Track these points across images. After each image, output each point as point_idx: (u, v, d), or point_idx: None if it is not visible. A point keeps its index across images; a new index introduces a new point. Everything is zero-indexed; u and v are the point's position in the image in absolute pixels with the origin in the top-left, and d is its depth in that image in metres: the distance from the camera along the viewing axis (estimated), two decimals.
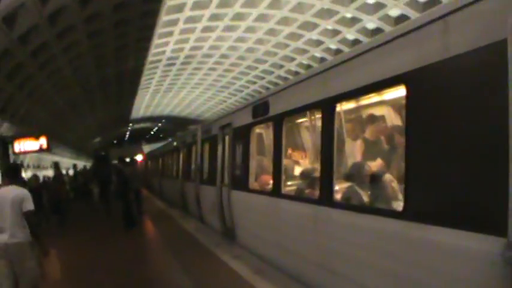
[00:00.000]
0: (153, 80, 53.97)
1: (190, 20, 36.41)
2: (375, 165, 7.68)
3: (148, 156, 50.56)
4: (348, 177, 7.85)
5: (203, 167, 17.68)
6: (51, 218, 20.95)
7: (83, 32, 29.74)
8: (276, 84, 49.38)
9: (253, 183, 11.85)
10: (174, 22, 36.26)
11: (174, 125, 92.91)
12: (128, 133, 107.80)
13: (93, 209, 26.65)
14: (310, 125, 10.98)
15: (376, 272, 6.25)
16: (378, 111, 8.83)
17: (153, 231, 18.55)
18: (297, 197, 9.46)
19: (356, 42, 36.22)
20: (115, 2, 27.87)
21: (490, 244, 4.37)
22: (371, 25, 34.70)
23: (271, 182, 10.34)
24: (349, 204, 7.29)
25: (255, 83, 55.45)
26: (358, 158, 8.11)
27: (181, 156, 23.50)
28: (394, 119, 8.60)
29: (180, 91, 64.29)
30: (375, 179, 7.27)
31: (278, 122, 9.92)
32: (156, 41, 38.95)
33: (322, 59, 41.39)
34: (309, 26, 37.54)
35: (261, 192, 11.24)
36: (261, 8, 34.90)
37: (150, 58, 43.57)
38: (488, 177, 4.53)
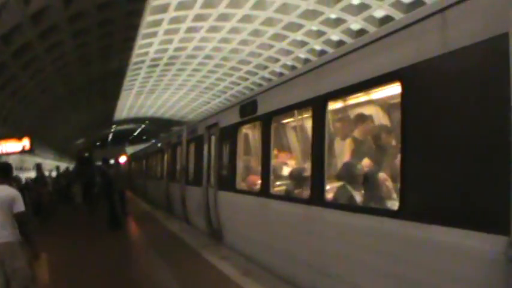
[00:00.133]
0: (137, 81, 53.73)
1: (175, 20, 36.25)
2: (368, 164, 7.58)
3: (132, 158, 50.24)
4: (340, 177, 7.73)
5: (189, 167, 17.53)
6: (32, 219, 20.69)
7: (66, 31, 29.49)
8: (260, 85, 49.28)
9: (240, 184, 11.73)
10: (158, 22, 36.11)
11: (158, 126, 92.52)
12: (111, 134, 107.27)
13: (77, 210, 26.34)
14: (300, 123, 10.86)
15: (371, 272, 6.15)
16: (371, 109, 8.73)
17: (139, 232, 18.35)
18: (287, 197, 9.34)
19: (340, 43, 36.23)
20: (99, 1, 27.64)
21: (493, 243, 4.28)
22: (355, 26, 34.74)
23: (259, 182, 10.24)
24: (341, 204, 7.18)
25: (238, 84, 55.39)
26: (350, 157, 7.99)
27: (166, 157, 23.32)
28: (388, 117, 8.51)
29: (164, 92, 64.06)
30: (368, 178, 7.16)
31: (267, 121, 9.81)
32: (140, 41, 38.75)
33: (307, 60, 41.39)
34: (293, 27, 37.53)
35: (249, 192, 11.13)
36: (245, 9, 34.84)
37: (133, 59, 43.35)
38: (490, 175, 4.44)
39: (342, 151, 8.23)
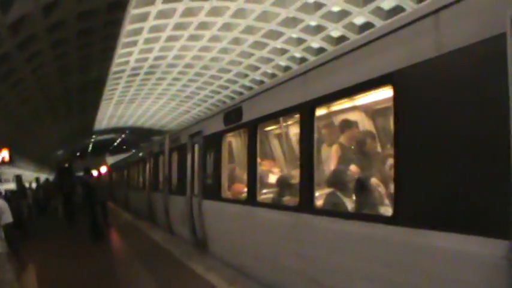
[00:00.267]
0: (117, 91, 53.34)
1: (155, 29, 36.05)
2: (359, 169, 7.49)
3: (113, 168, 49.86)
4: (330, 183, 7.63)
5: (172, 176, 17.37)
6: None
7: (46, 41, 29.17)
8: (240, 93, 49.20)
9: (226, 192, 11.58)
10: (138, 31, 35.84)
11: (138, 136, 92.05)
12: (91, 145, 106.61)
13: (57, 222, 26.01)
14: (287, 130, 10.77)
15: (364, 279, 6.02)
16: (360, 114, 8.66)
17: (122, 243, 18.13)
18: (274, 204, 9.21)
19: (321, 50, 36.25)
20: (79, 10, 27.36)
21: (493, 247, 4.18)
22: (336, 33, 34.72)
23: (245, 190, 10.12)
24: (332, 211, 7.06)
25: (219, 92, 55.23)
26: (340, 163, 7.90)
27: (148, 166, 23.11)
28: (378, 121, 8.43)
29: (144, 102, 63.73)
30: (360, 184, 7.05)
31: (252, 128, 9.68)
32: (119, 50, 38.47)
33: (287, 68, 41.37)
34: (273, 35, 37.44)
35: (235, 201, 11.00)
36: (226, 17, 34.70)
37: (113, 68, 43.02)
38: (489, 178, 4.34)
39: (332, 157, 8.14)
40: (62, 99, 44.83)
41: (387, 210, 6.23)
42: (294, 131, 9.70)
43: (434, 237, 4.82)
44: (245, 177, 10.14)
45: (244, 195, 10.18)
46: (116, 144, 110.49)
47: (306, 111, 7.46)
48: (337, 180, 7.38)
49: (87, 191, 19.49)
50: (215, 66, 46.72)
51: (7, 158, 31.06)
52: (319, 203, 7.41)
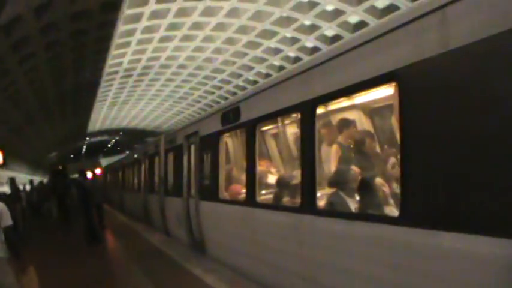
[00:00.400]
0: (110, 92, 53.24)
1: (148, 30, 35.92)
2: (362, 169, 7.35)
3: (107, 170, 49.66)
4: (332, 183, 7.49)
5: (168, 178, 17.21)
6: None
7: (38, 43, 28.99)
8: (234, 93, 49.20)
9: (224, 193, 11.44)
10: (132, 32, 35.73)
11: (132, 137, 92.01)
12: (85, 147, 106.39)
13: (52, 225, 25.79)
14: (287, 130, 10.63)
15: (369, 281, 5.89)
16: (364, 112, 8.52)
17: (119, 246, 17.94)
18: (275, 205, 9.09)
19: (315, 49, 36.22)
20: (72, 11, 27.21)
21: (504, 247, 4.06)
22: (330, 32, 34.67)
23: (244, 191, 9.98)
24: (335, 211, 6.93)
25: (213, 93, 55.18)
26: (342, 162, 7.76)
27: (143, 168, 22.93)
28: (381, 120, 8.29)
29: (138, 103, 63.64)
30: (364, 184, 6.93)
31: (251, 128, 9.54)
32: (113, 51, 38.32)
33: (281, 67, 41.32)
34: (267, 35, 37.40)
35: (234, 202, 10.84)
36: (219, 17, 34.65)
37: (107, 69, 42.93)
38: (499, 177, 4.21)
39: (334, 157, 7.99)
40: (55, 101, 44.67)
41: (393, 210, 6.10)
42: (295, 130, 9.56)
43: (443, 237, 4.69)
44: (244, 178, 10.00)
45: (243, 196, 10.03)
46: (109, 145, 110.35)
47: (307, 110, 7.32)
48: (340, 180, 7.25)
49: (82, 193, 19.29)
50: (209, 66, 46.61)
51: (0, 160, 30.83)
52: (321, 203, 7.27)
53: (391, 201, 6.52)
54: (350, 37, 30.71)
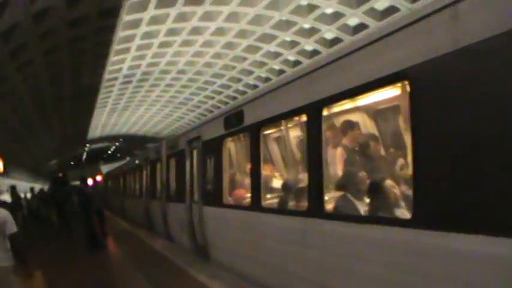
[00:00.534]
0: (110, 99, 53.13)
1: (147, 35, 35.84)
2: (371, 171, 7.24)
3: (108, 176, 49.59)
4: (340, 186, 7.37)
5: (170, 183, 17.12)
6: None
7: (37, 49, 28.88)
8: (234, 98, 49.08)
9: (228, 198, 11.33)
10: (131, 38, 35.64)
11: (132, 143, 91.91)
12: (85, 154, 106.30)
13: (52, 232, 25.64)
14: (292, 132, 10.52)
15: (379, 285, 5.77)
16: (371, 113, 8.41)
17: (121, 252, 17.79)
18: (281, 209, 8.98)
19: (315, 52, 36.13)
20: (70, 17, 27.10)
21: None
22: (329, 35, 34.55)
23: (249, 195, 9.87)
24: (344, 215, 6.80)
25: (212, 98, 55.01)
26: (350, 164, 7.65)
27: (144, 173, 22.84)
28: (389, 121, 8.17)
29: (138, 109, 63.53)
30: (374, 186, 6.81)
31: (255, 131, 9.43)
32: (112, 58, 38.22)
33: (281, 71, 41.20)
34: (267, 38, 37.26)
35: (238, 206, 10.75)
36: (219, 22, 34.51)
37: (106, 76, 42.80)
38: None
39: (342, 159, 7.88)
40: (55, 108, 44.54)
41: (404, 212, 5.98)
42: (300, 133, 9.45)
43: (458, 240, 4.57)
44: (248, 182, 9.91)
45: (248, 200, 9.95)
46: (110, 152, 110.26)
47: (313, 112, 7.21)
48: (348, 183, 7.13)
49: (83, 199, 19.17)
50: (208, 71, 46.52)
51: (1, 168, 30.77)
52: (329, 207, 7.16)
53: (403, 203, 6.40)
54: (350, 40, 30.66)
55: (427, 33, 5.09)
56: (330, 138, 8.16)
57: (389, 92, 6.49)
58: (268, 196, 9.90)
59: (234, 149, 12.51)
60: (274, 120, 9.25)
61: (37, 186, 56.15)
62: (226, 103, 50.48)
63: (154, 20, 33.30)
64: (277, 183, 10.31)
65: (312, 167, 7.24)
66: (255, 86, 45.21)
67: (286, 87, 8.54)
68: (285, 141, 11.04)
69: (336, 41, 33.57)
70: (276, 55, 40.08)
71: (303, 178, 8.16)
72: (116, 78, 45.26)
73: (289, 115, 8.67)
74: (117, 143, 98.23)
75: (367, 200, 6.90)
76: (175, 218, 16.07)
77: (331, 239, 6.76)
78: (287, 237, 8.14)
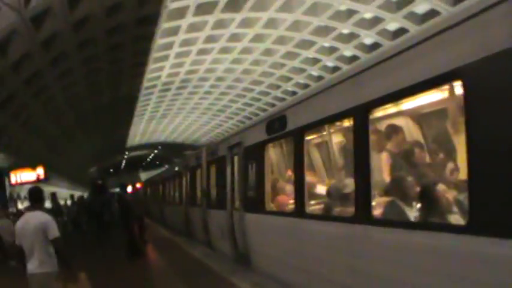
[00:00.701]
0: (149, 106, 53.57)
1: (186, 43, 35.97)
2: (422, 175, 6.97)
3: (147, 183, 49.85)
4: (390, 191, 7.10)
5: (210, 190, 17.00)
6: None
7: (76, 58, 29.20)
8: (273, 105, 48.98)
9: (270, 205, 11.13)
10: (169, 45, 35.81)
11: (171, 151, 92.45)
12: (124, 161, 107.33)
13: (93, 239, 25.71)
14: (338, 136, 10.28)
15: None
16: (419, 115, 8.12)
17: (161, 260, 17.68)
18: (326, 216, 8.75)
19: (354, 58, 35.83)
20: (108, 26, 27.33)
21: None
22: (369, 40, 34.23)
23: (292, 201, 9.66)
24: (393, 221, 6.54)
25: (251, 105, 54.99)
26: (399, 169, 7.38)
27: (184, 180, 22.78)
28: (439, 123, 7.86)
29: (176, 116, 63.88)
30: (425, 192, 6.54)
31: (298, 136, 9.22)
32: (151, 65, 38.44)
33: (320, 78, 40.98)
34: (305, 45, 37.11)
35: (281, 213, 10.56)
36: (257, 28, 34.46)
37: (145, 83, 43.10)
38: None
39: (390, 163, 7.61)
40: (94, 116, 45.04)
41: (458, 218, 5.71)
42: (347, 136, 9.20)
43: None
44: (292, 188, 9.70)
45: (291, 207, 9.75)
46: (148, 159, 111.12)
47: (360, 115, 6.97)
48: (397, 188, 6.86)
49: (123, 206, 19.13)
50: (247, 78, 46.50)
51: (42, 175, 31.12)
52: (377, 212, 6.90)
53: (456, 208, 6.12)
54: (389, 44, 30.27)
55: (483, 29, 4.82)
56: (377, 141, 7.88)
57: (440, 93, 6.25)
58: (313, 202, 9.69)
59: (276, 154, 12.33)
60: (319, 124, 9.06)
61: (77, 194, 56.72)
62: (265, 110, 50.39)
63: (192, 27, 33.42)
64: (321, 189, 10.07)
65: (359, 172, 7.01)
66: (294, 93, 45.05)
67: (331, 90, 8.34)
68: (330, 146, 10.78)
69: (375, 46, 33.20)
70: (315, 61, 39.90)
71: (349, 183, 7.91)
72: (154, 86, 45.58)
73: (334, 118, 8.45)
74: (155, 151, 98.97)
75: (417, 206, 6.63)
76: (215, 225, 15.94)
77: (379, 245, 6.50)
78: (332, 244, 7.92)
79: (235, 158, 13.63)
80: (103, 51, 30.70)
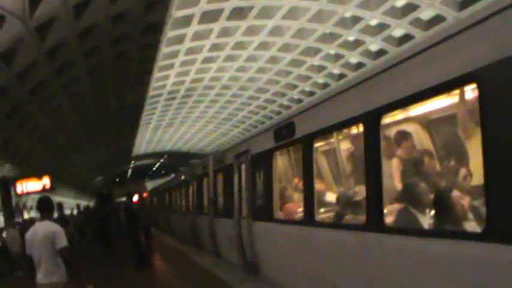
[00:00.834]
0: (154, 115, 53.48)
1: (191, 51, 35.91)
2: (436, 182, 6.83)
3: (154, 192, 49.81)
4: (404, 198, 6.96)
5: (217, 199, 16.92)
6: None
7: (82, 67, 29.16)
8: (278, 113, 48.89)
9: (278, 213, 11.02)
10: (175, 54, 35.75)
11: (176, 160, 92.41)
12: (130, 170, 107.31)
13: (99, 249, 25.63)
14: (348, 143, 10.14)
15: None
16: (435, 119, 7.97)
17: (168, 269, 17.60)
18: (336, 224, 8.62)
19: (359, 65, 35.71)
20: (113, 35, 27.26)
21: None
22: (374, 47, 34.11)
23: (301, 209, 9.55)
24: (406, 229, 6.40)
25: (257, 113, 54.86)
26: (412, 175, 7.23)
27: (191, 189, 22.70)
28: (453, 127, 7.71)
29: (182, 125, 63.80)
30: (438, 198, 6.40)
31: (307, 143, 9.12)
32: (156, 74, 38.40)
33: (325, 85, 40.85)
34: (311, 52, 36.98)
35: (290, 221, 10.44)
36: (262, 36, 34.37)
37: (150, 92, 43.04)
38: None
39: (402, 170, 7.47)
40: (100, 125, 45.00)
41: (474, 225, 5.58)
42: (357, 143, 9.07)
43: None
44: (301, 195, 9.59)
45: (301, 215, 9.64)
46: (154, 169, 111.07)
47: (370, 121, 6.84)
48: (410, 195, 6.73)
49: (129, 215, 19.04)
50: (252, 86, 46.43)
51: (48, 185, 31.09)
52: (389, 220, 6.77)
53: (471, 215, 5.98)
54: (395, 51, 30.19)
55: (496, 31, 4.71)
56: (389, 148, 7.75)
57: (454, 97, 6.12)
58: (322, 210, 9.56)
59: (284, 162, 12.20)
60: (328, 131, 8.96)
61: (83, 203, 56.75)
62: (271, 118, 50.28)
63: (198, 35, 33.32)
64: (331, 196, 9.94)
65: (370, 179, 6.88)
66: (300, 100, 44.91)
67: (340, 96, 8.23)
68: (340, 153, 10.63)
69: (381, 52, 33.09)
70: (321, 68, 39.74)
71: (360, 191, 7.80)
72: (160, 95, 45.51)
73: (344, 125, 8.33)
74: (161, 160, 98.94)
75: (431, 213, 6.49)
76: (223, 234, 15.84)
77: (392, 254, 6.37)
78: (343, 252, 7.80)
79: (243, 166, 13.54)
80: (108, 60, 30.64)
